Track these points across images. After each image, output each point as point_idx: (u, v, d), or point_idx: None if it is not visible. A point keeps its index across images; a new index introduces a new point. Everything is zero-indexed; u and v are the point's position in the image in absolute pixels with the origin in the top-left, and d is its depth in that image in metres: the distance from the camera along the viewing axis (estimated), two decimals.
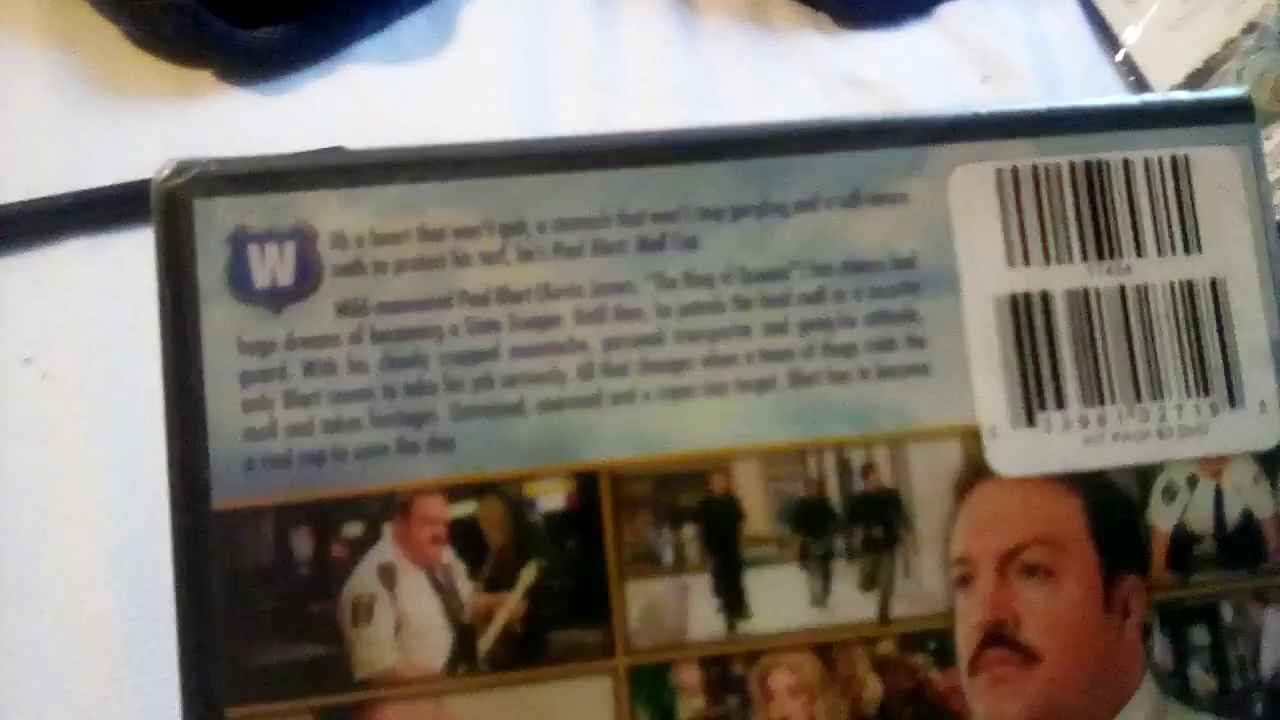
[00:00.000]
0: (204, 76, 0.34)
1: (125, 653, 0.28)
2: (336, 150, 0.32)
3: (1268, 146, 0.35)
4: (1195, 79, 0.37)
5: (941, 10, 0.39)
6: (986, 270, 0.21)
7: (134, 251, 0.31)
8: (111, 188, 0.32)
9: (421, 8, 0.36)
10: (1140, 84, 0.38)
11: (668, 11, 0.38)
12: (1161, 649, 0.21)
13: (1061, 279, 0.21)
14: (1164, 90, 0.38)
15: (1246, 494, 0.21)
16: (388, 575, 0.20)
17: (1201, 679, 0.21)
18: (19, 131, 0.33)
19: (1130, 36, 0.39)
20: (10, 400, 0.30)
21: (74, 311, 0.30)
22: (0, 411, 0.30)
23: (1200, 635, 0.21)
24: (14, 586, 0.28)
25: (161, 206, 0.20)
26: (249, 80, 0.34)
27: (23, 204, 0.31)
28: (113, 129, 0.33)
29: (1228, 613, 0.21)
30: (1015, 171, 0.21)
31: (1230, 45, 0.37)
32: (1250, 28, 0.37)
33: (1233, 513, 0.21)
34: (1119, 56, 0.39)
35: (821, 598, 0.20)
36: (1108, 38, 0.40)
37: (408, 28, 0.36)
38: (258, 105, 0.34)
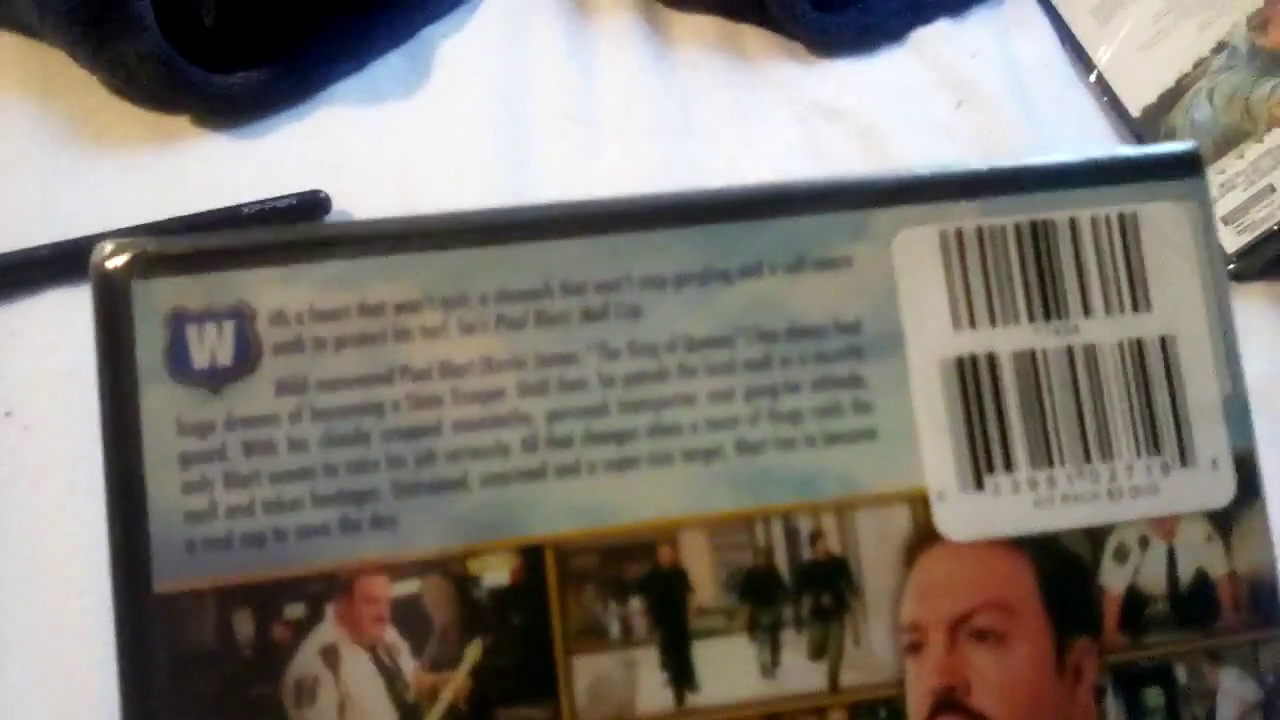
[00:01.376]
0: (181, 122, 0.36)
1: (105, 706, 0.29)
2: (279, 199, 0.34)
3: (1239, 165, 0.36)
4: (1167, 98, 0.39)
5: (915, 36, 0.41)
6: (932, 333, 0.22)
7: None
8: (90, 238, 0.33)
9: (397, 48, 0.37)
10: (1114, 104, 0.40)
11: (642, 43, 0.39)
12: (1115, 712, 0.22)
13: (1008, 340, 0.22)
14: (1138, 109, 0.39)
15: (1199, 553, 0.22)
16: (331, 656, 0.21)
17: None
18: None
19: (1103, 57, 0.40)
20: None
21: (54, 363, 0.32)
22: None
23: (1155, 697, 0.22)
24: None
25: (100, 288, 0.21)
26: (226, 125, 0.36)
27: (0, 256, 0.32)
28: (91, 178, 0.34)
29: (1182, 673, 0.22)
30: (959, 233, 0.22)
31: (1201, 64, 0.38)
32: (1220, 47, 0.38)
33: (1186, 573, 0.22)
34: (1092, 77, 0.41)
35: (771, 668, 0.21)
36: (1081, 59, 0.41)
37: (384, 68, 0.38)
38: (235, 149, 0.35)
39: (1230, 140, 0.37)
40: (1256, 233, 0.36)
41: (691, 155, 0.38)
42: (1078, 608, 0.22)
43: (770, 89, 0.39)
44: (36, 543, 0.30)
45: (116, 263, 0.22)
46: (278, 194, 0.35)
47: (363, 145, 0.37)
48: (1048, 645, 0.22)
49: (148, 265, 0.22)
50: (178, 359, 0.21)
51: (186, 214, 0.34)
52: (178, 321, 0.21)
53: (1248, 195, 0.36)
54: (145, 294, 0.21)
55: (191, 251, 0.22)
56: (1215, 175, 0.37)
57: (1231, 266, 0.37)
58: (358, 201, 0.36)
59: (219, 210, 0.35)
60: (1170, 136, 0.39)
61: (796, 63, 0.40)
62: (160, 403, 0.21)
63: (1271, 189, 0.36)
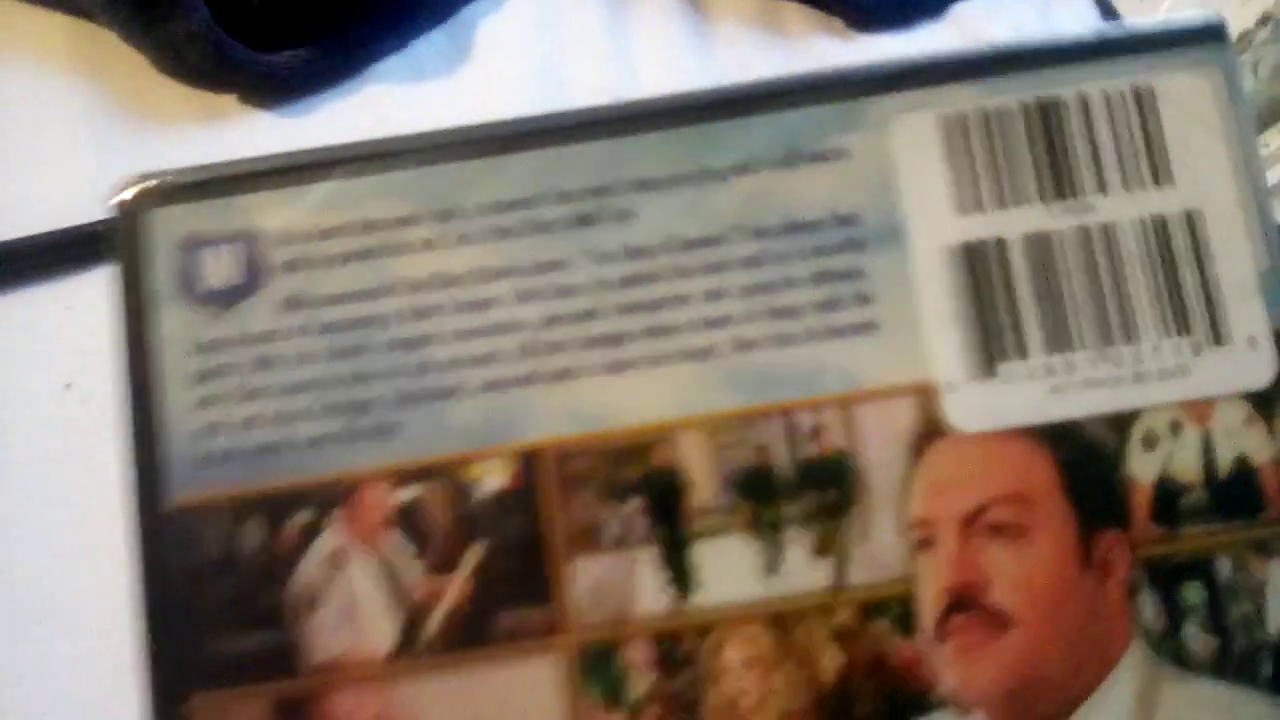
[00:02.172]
0: (228, 101, 0.38)
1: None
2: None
3: None
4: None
5: (955, 11, 0.41)
6: (936, 220, 0.22)
7: None
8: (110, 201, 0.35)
9: (439, 26, 0.39)
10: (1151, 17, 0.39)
11: (680, 19, 0.40)
12: (1151, 609, 0.21)
13: (1018, 223, 0.22)
14: None
15: (1238, 438, 0.22)
16: (338, 560, 0.22)
17: (1199, 640, 0.21)
18: (50, 161, 0.37)
19: None
20: (52, 425, 0.33)
21: (109, 336, 0.34)
22: (42, 436, 0.33)
23: (1194, 593, 0.21)
24: (48, 608, 0.32)
25: (119, 219, 0.23)
26: (271, 103, 0.38)
27: (55, 232, 0.35)
28: (142, 155, 0.36)
29: (1225, 568, 0.21)
30: (961, 116, 0.22)
31: (1245, 38, 0.38)
32: (1264, 20, 0.37)
33: (1224, 459, 0.22)
34: None
35: (774, 567, 0.22)
36: None
37: (426, 46, 0.39)
38: (280, 127, 0.37)
39: (1275, 113, 0.36)
40: None
41: None
42: (1103, 498, 0.22)
43: (809, 64, 0.40)
44: (92, 515, 0.32)
45: (134, 193, 0.23)
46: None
47: (405, 123, 0.38)
48: (1072, 538, 0.22)
49: (161, 195, 0.23)
50: (191, 281, 0.23)
51: None
52: (191, 245, 0.23)
53: None
54: (161, 221, 0.23)
55: (201, 180, 0.24)
56: (1259, 149, 0.36)
57: None
58: None
59: None
60: None
61: (835, 38, 0.41)
62: (175, 324, 0.23)
63: None
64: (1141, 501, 0.22)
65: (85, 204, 0.35)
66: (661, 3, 0.40)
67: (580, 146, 0.23)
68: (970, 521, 0.22)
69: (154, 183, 0.24)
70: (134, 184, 0.24)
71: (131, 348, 0.23)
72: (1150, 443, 0.22)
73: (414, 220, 0.23)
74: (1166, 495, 0.22)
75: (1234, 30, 0.38)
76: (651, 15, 0.40)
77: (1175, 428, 0.22)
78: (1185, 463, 0.22)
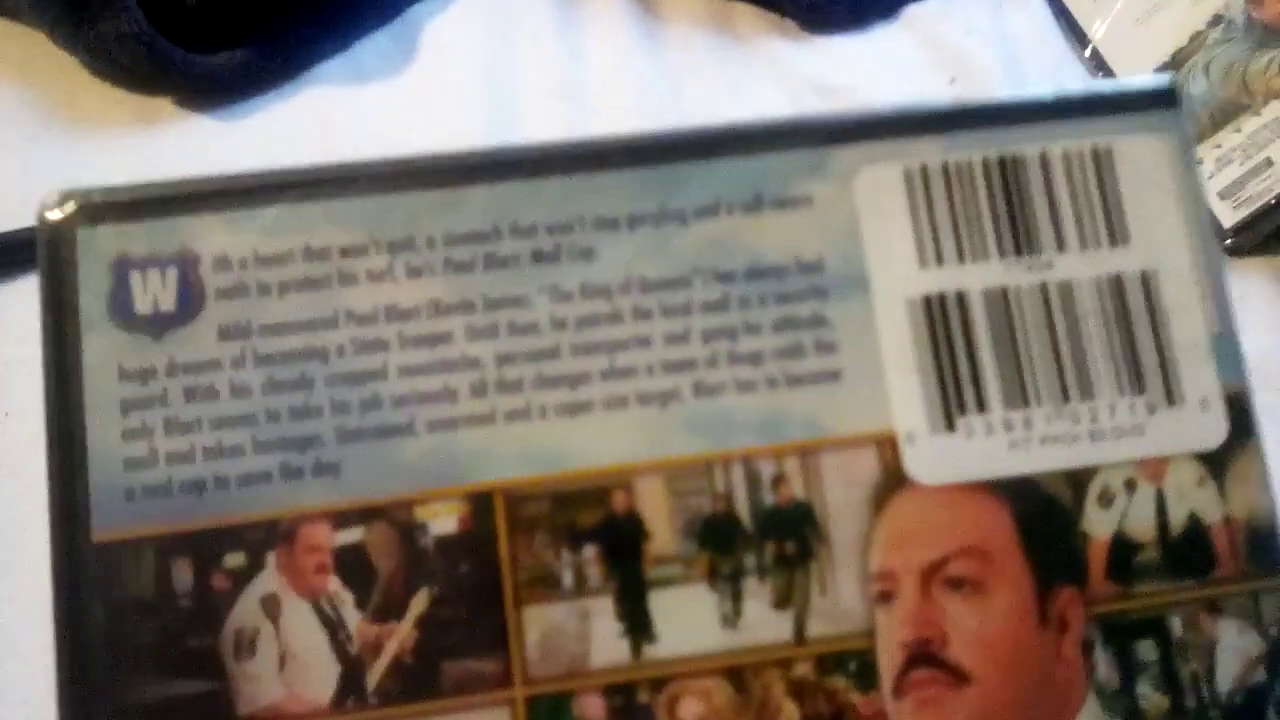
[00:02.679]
0: (163, 104, 0.37)
1: None
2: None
3: (1237, 139, 0.37)
4: (1164, 72, 0.40)
5: (908, 12, 0.42)
6: (898, 271, 0.23)
7: None
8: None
9: (383, 27, 0.39)
10: (1109, 79, 0.41)
11: (631, 20, 0.41)
12: (1105, 666, 0.22)
13: (978, 277, 0.23)
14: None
15: (1191, 497, 0.22)
16: (272, 606, 0.21)
17: (1151, 697, 0.22)
18: None
19: (1098, 32, 0.42)
20: None
21: (35, 348, 0.33)
22: None
23: (1148, 650, 0.22)
24: None
25: (45, 236, 0.22)
26: (209, 106, 0.38)
27: None
28: (72, 160, 0.36)
29: (1177, 625, 0.22)
30: (924, 169, 0.23)
31: (1197, 38, 0.39)
32: (1216, 20, 0.39)
33: (1177, 518, 0.22)
34: (1087, 52, 0.42)
35: (732, 618, 0.22)
36: (1075, 34, 0.43)
37: (369, 47, 0.39)
38: (218, 131, 0.37)
39: (1227, 114, 0.38)
40: (1254, 207, 0.37)
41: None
42: (1060, 555, 0.22)
43: (762, 67, 0.41)
44: (18, 530, 0.31)
45: (62, 210, 0.23)
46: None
47: (348, 126, 0.38)
48: (1029, 595, 0.22)
49: (93, 213, 0.23)
50: (121, 305, 0.22)
51: None
52: (121, 268, 0.22)
53: (1245, 169, 0.37)
54: (89, 241, 0.23)
55: (136, 199, 0.23)
56: (1211, 150, 0.38)
57: (1228, 242, 0.38)
58: None
59: None
60: None
61: (788, 40, 0.42)
62: (102, 349, 0.22)
63: (1269, 162, 0.37)
64: (1097, 558, 0.22)
65: (11, 211, 0.34)
66: (612, 4, 0.41)
67: (541, 181, 0.23)
68: (930, 575, 0.22)
69: (84, 199, 0.23)
70: (63, 200, 0.23)
71: (56, 371, 0.22)
72: (1106, 500, 0.22)
73: (363, 250, 0.23)
74: (1121, 553, 0.22)
75: (1186, 30, 0.40)
76: (602, 17, 0.41)
77: (1130, 486, 0.22)
78: (1140, 521, 0.22)
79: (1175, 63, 0.40)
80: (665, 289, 0.23)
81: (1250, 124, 0.37)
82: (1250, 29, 0.38)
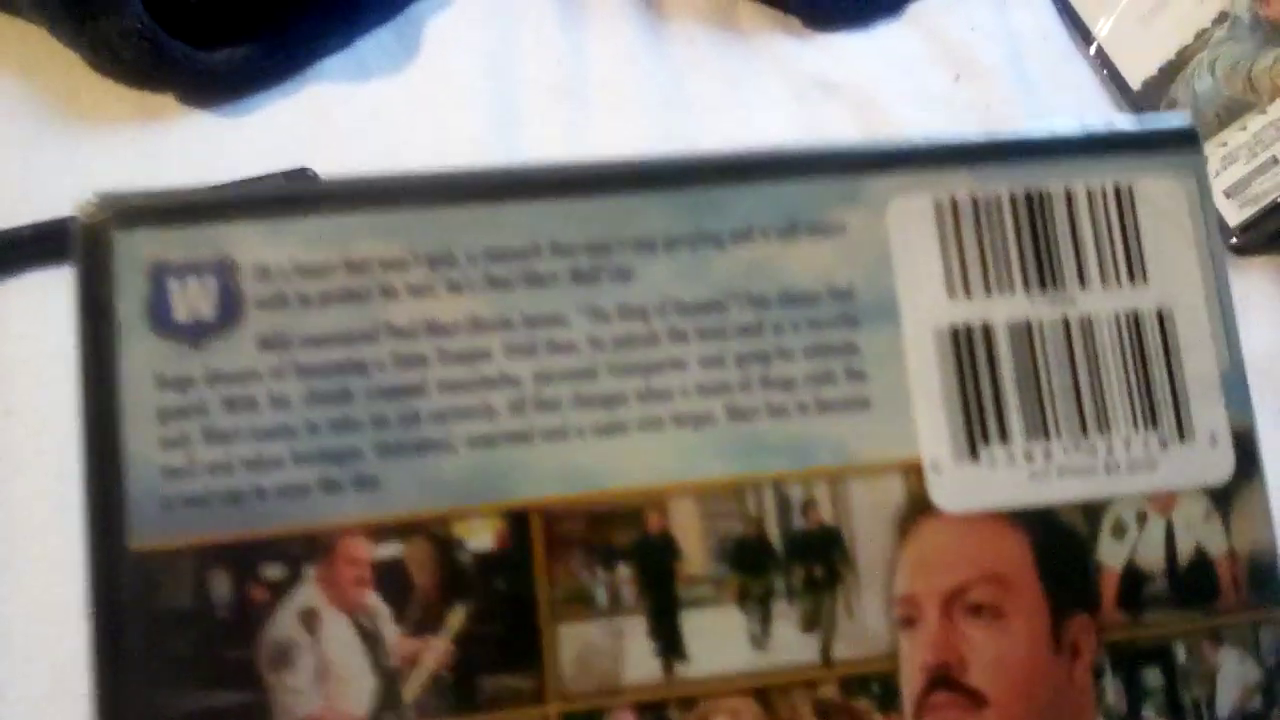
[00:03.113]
0: (165, 101, 0.37)
1: (67, 650, 0.30)
2: (265, 179, 0.35)
3: (1242, 137, 0.38)
4: (1168, 70, 0.40)
5: (912, 9, 0.43)
6: (927, 301, 0.23)
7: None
8: (73, 218, 0.34)
9: (385, 23, 0.39)
10: (1114, 77, 0.41)
11: (634, 17, 0.41)
12: (1113, 691, 0.23)
13: (1003, 310, 0.23)
14: (1138, 82, 0.41)
15: (1198, 530, 0.23)
16: (310, 619, 0.22)
17: None
18: None
19: (1102, 30, 0.42)
20: None
21: (36, 346, 0.33)
22: None
23: (1153, 677, 0.23)
24: None
25: (82, 240, 0.22)
26: (211, 103, 0.37)
27: None
28: (73, 157, 0.35)
29: (1181, 653, 0.23)
30: (954, 201, 0.23)
31: (1202, 36, 0.40)
32: (1221, 18, 0.40)
33: (1184, 550, 0.23)
34: (1092, 50, 0.43)
35: (761, 639, 0.22)
36: (1080, 31, 0.43)
37: (372, 44, 0.39)
38: (220, 128, 0.37)
39: (1233, 112, 0.39)
40: (1259, 206, 0.38)
41: (685, 131, 0.40)
42: (1075, 583, 0.23)
43: (765, 63, 0.41)
44: (21, 530, 0.31)
45: (99, 215, 0.23)
46: (264, 172, 0.36)
47: (350, 122, 0.38)
48: (1044, 622, 0.23)
49: (130, 217, 0.23)
50: (159, 312, 0.22)
51: None
52: (159, 274, 0.22)
53: (1250, 168, 0.38)
54: (127, 246, 0.23)
55: (175, 204, 0.23)
56: (1217, 148, 0.39)
57: (1234, 240, 0.38)
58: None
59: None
60: (1172, 109, 0.40)
61: (792, 36, 0.42)
62: (140, 357, 0.22)
63: (1275, 160, 0.38)
64: (1109, 588, 0.23)
65: (12, 207, 0.34)
66: (615, 0, 0.41)
67: (581, 201, 0.23)
68: (951, 601, 0.23)
69: (121, 203, 0.23)
70: (99, 203, 0.23)
71: (92, 378, 0.22)
72: (1119, 531, 0.23)
73: (404, 264, 0.23)
74: (1132, 582, 0.23)
75: (1191, 28, 0.40)
76: (604, 13, 0.41)
77: (1142, 518, 0.23)
78: (1150, 552, 0.23)
79: (1180, 60, 0.40)
80: (701, 312, 0.23)
81: (1256, 122, 0.38)
82: (1256, 27, 0.39)
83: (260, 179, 0.36)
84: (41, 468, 0.32)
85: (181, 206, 0.23)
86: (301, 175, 0.36)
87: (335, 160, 0.37)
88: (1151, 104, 0.41)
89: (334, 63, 0.38)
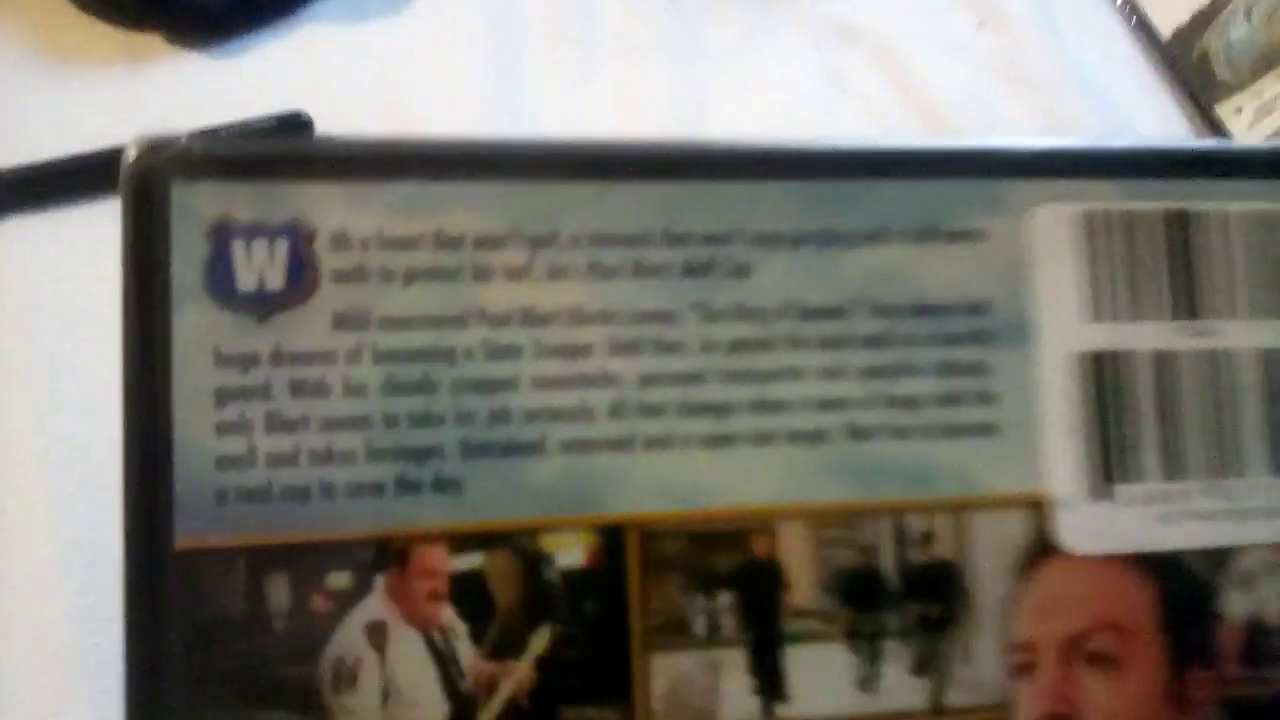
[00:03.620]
0: (153, 41, 0.36)
1: (76, 660, 0.28)
2: (256, 122, 0.33)
3: (1279, 87, 0.36)
4: (1200, 18, 0.39)
5: None
6: (1066, 322, 0.21)
7: (83, 229, 0.32)
8: (57, 162, 0.33)
9: None
10: (1142, 25, 0.40)
11: None
12: None
13: (1145, 338, 0.22)
14: (1168, 30, 0.39)
15: None
16: (377, 634, 0.20)
17: None
18: None
19: None
20: None
21: (16, 296, 0.31)
22: None
23: None
24: None
25: (132, 190, 0.20)
26: (201, 43, 0.36)
27: None
28: (58, 99, 0.34)
29: None
30: (1103, 215, 0.22)
31: None
32: None
33: None
34: None
35: (869, 682, 0.21)
36: None
37: None
38: (211, 69, 0.35)
39: (1270, 60, 0.37)
40: None
41: (698, 80, 0.38)
42: (1196, 635, 0.22)
43: (782, 8, 0.39)
44: (12, 526, 0.29)
45: (153, 161, 0.20)
46: (255, 116, 0.34)
47: (347, 66, 0.36)
48: (1162, 674, 0.21)
49: (191, 166, 0.20)
50: (220, 278, 0.20)
51: None
52: (223, 234, 0.20)
53: None
54: (186, 199, 0.20)
55: (243, 154, 0.20)
56: (1252, 98, 0.37)
57: None
58: (341, 124, 0.35)
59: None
60: (1204, 60, 0.39)
61: None
62: (196, 327, 0.20)
63: None
64: (1231, 640, 0.22)
65: None
66: None
67: (699, 185, 0.21)
68: (1070, 648, 0.21)
69: (180, 149, 0.20)
70: (153, 146, 0.20)
71: (139, 349, 0.20)
72: (1246, 582, 0.22)
73: (501, 242, 0.20)
74: (1255, 636, 0.22)
75: None
76: None
77: (1271, 569, 0.22)
78: (1274, 604, 0.22)
79: (1214, 7, 0.38)
80: (823, 318, 0.21)
81: None
82: None
83: (250, 123, 0.34)
84: (19, 423, 0.30)
85: (251, 158, 0.20)
86: (295, 119, 0.34)
87: (330, 105, 0.35)
88: (1182, 53, 0.39)
89: (330, 3, 0.36)
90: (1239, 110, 0.37)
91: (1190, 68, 0.39)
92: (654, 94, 0.37)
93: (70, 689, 0.28)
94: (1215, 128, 0.36)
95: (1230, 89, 0.38)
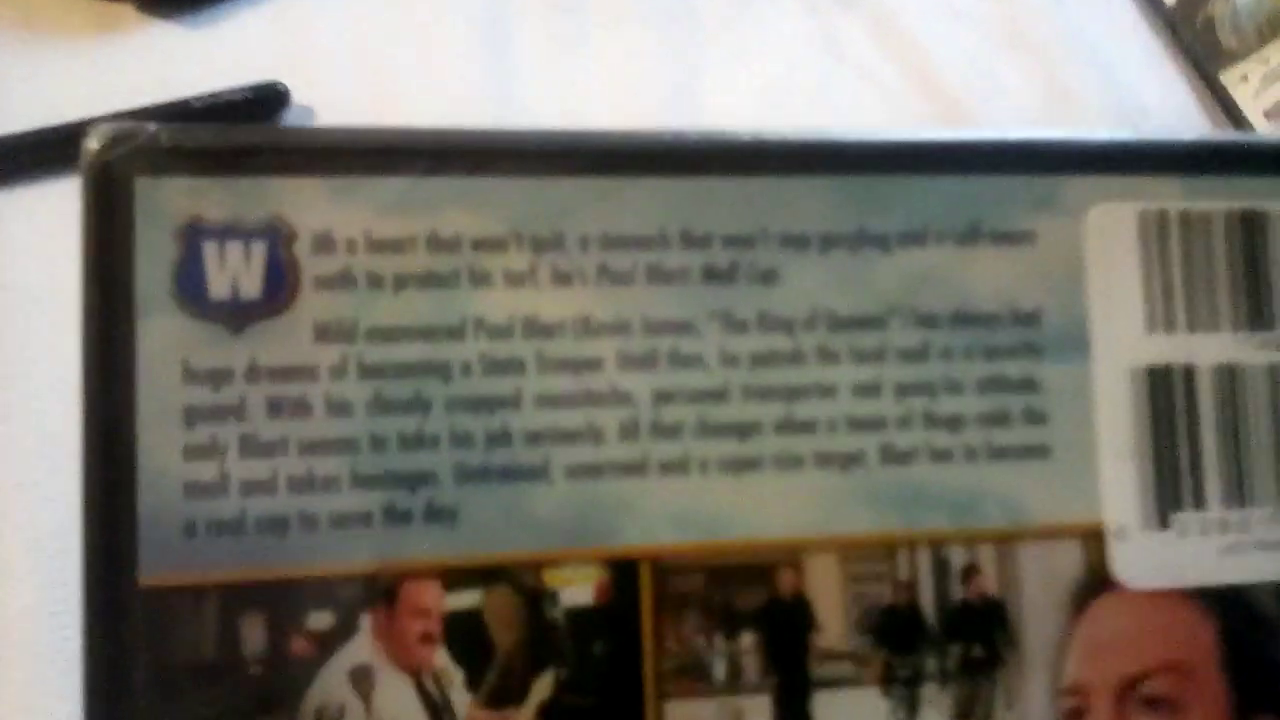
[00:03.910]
0: (124, 9, 0.34)
1: (49, 653, 0.27)
2: (229, 93, 0.31)
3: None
4: None
5: None
6: (1123, 334, 0.20)
7: (49, 206, 0.30)
8: (22, 135, 0.31)
9: None
10: None
11: None
12: None
13: (1208, 350, 0.20)
14: None
15: None
16: (363, 680, 0.18)
17: None
18: None
19: None
20: None
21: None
22: None
23: None
24: None
25: (92, 185, 0.18)
26: (174, 12, 0.34)
27: None
28: (24, 70, 0.32)
29: None
30: (1162, 215, 0.20)
31: None
32: None
33: None
34: None
35: None
36: None
37: None
38: (184, 40, 0.33)
39: (1276, 26, 0.36)
40: None
41: (691, 48, 0.37)
42: (1262, 678, 0.20)
43: None
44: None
45: (116, 153, 0.18)
46: (228, 88, 0.32)
47: (326, 36, 0.35)
48: (1225, 719, 0.20)
49: (158, 158, 0.18)
50: (190, 284, 0.18)
51: (128, 110, 0.31)
52: (193, 235, 0.18)
53: None
54: (152, 195, 0.18)
55: (216, 146, 0.18)
56: (1258, 66, 0.36)
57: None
58: (320, 97, 0.33)
59: (164, 105, 0.32)
60: (1209, 26, 0.37)
61: None
62: (163, 338, 0.18)
63: None
64: None
65: None
66: None
67: (720, 181, 0.19)
68: (1126, 691, 0.19)
69: (146, 140, 0.18)
70: (115, 137, 0.18)
71: (99, 361, 0.18)
72: None
73: (501, 245, 0.19)
74: None
75: None
76: None
77: None
78: None
79: None
80: (857, 329, 0.19)
81: None
82: None
83: (222, 94, 0.32)
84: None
85: (225, 150, 0.18)
86: (270, 90, 0.32)
87: (310, 75, 0.33)
88: (1187, 19, 0.37)
89: None
90: (1245, 78, 0.36)
91: (1194, 34, 0.37)
92: (646, 63, 0.36)
93: (43, 682, 0.26)
94: (1220, 96, 0.35)
95: (1235, 56, 0.37)
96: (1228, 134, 0.21)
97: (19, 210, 0.30)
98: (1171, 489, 0.20)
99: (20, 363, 0.29)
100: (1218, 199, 0.20)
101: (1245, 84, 0.35)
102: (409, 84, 0.34)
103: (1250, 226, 0.20)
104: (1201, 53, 0.36)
